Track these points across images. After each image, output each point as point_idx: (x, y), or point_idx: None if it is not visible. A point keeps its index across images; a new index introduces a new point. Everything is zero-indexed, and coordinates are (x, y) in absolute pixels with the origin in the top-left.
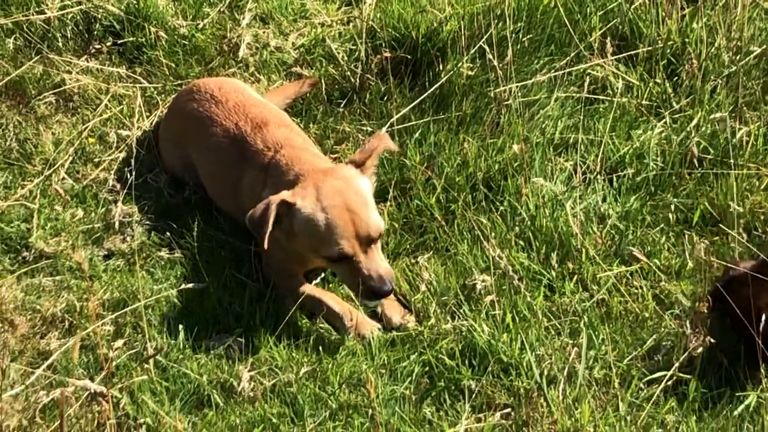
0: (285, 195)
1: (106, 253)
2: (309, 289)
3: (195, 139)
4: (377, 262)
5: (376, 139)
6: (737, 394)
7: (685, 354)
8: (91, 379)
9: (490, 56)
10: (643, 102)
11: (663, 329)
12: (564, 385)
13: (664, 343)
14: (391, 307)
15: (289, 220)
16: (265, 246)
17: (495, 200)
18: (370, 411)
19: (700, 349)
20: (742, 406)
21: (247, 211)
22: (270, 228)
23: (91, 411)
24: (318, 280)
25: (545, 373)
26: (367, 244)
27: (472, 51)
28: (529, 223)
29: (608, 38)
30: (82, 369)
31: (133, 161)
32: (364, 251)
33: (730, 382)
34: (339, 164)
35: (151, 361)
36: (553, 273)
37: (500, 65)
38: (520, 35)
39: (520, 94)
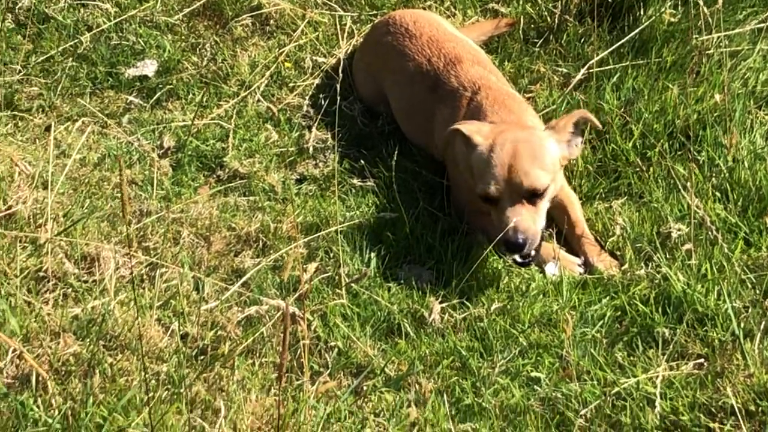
0: (469, 127)
1: (298, 177)
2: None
3: (388, 72)
4: (521, 215)
5: (578, 111)
6: None
7: None
8: (283, 300)
9: (700, 1)
10: None
11: None
12: (761, 338)
13: None
14: (592, 250)
15: (467, 151)
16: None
17: (692, 149)
18: (560, 351)
19: None
20: None
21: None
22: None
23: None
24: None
25: (741, 325)
26: (519, 196)
27: None
28: (726, 174)
29: None
30: (274, 289)
31: (327, 88)
32: (513, 200)
33: None
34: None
35: (344, 286)
36: (750, 226)
37: (708, 12)
38: None
39: (723, 43)
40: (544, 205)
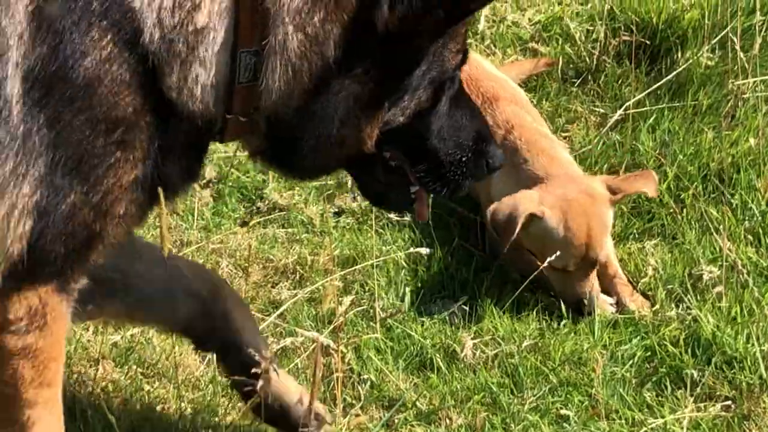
0: (532, 206)
1: (336, 210)
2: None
3: None
4: (591, 284)
5: (643, 177)
6: None
7: None
8: (318, 332)
9: (737, 47)
10: None
11: None
12: None
13: None
14: (625, 290)
15: (532, 225)
16: (505, 250)
17: (726, 193)
18: (590, 389)
19: None
20: None
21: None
22: (514, 236)
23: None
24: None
25: None
26: (592, 267)
27: (714, 41)
28: (760, 218)
29: None
30: (310, 321)
31: None
32: (586, 272)
33: None
34: (591, 177)
35: (379, 320)
36: None
37: (745, 57)
38: (764, 28)
39: (759, 88)
40: None
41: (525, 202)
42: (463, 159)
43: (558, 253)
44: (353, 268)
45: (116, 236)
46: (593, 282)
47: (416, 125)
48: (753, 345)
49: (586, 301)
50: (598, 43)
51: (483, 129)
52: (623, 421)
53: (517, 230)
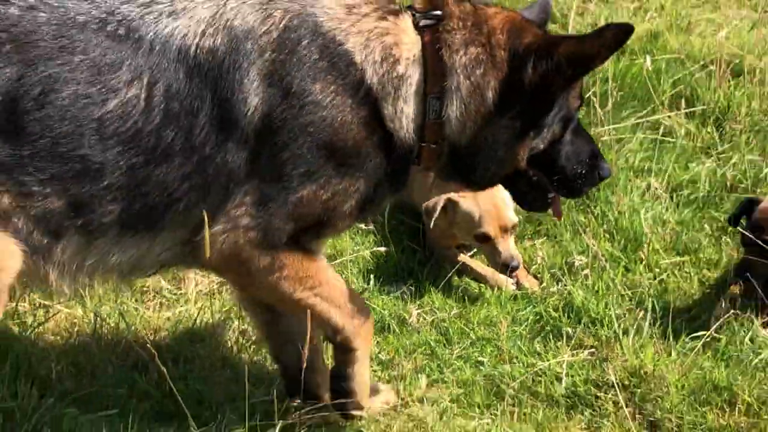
0: (450, 196)
1: None
2: (461, 257)
3: None
4: (509, 246)
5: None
6: (757, 351)
7: (719, 321)
8: None
9: (597, 105)
10: (698, 144)
11: (704, 302)
12: (633, 335)
13: (704, 312)
14: (521, 273)
15: (453, 211)
16: (431, 226)
17: (591, 205)
18: (498, 343)
19: (730, 317)
20: (757, 359)
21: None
22: (436, 215)
23: None
24: (470, 253)
25: (621, 326)
26: (503, 232)
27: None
28: (613, 222)
29: (676, 99)
30: None
31: None
32: (502, 236)
33: (753, 341)
34: None
35: None
36: (628, 258)
37: (603, 112)
38: (615, 91)
39: (613, 133)
40: (513, 233)
41: (445, 195)
42: (583, 172)
43: (481, 226)
44: (334, 262)
45: (343, 227)
46: (512, 247)
47: (551, 150)
48: (609, 309)
49: (511, 264)
50: None
51: (595, 150)
52: (521, 364)
53: (438, 211)
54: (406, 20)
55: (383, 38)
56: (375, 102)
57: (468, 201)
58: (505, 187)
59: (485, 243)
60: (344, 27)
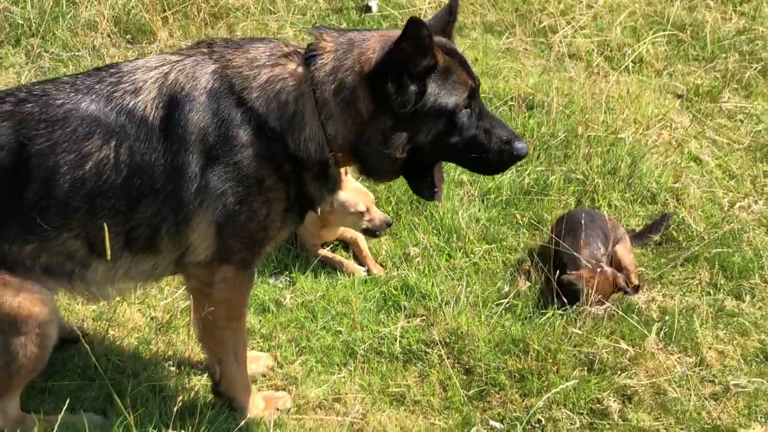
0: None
1: None
2: (324, 251)
3: None
4: (380, 213)
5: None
6: (543, 312)
7: (516, 290)
8: None
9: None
10: None
11: (507, 277)
12: (453, 305)
13: (506, 285)
14: (370, 262)
15: (332, 206)
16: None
17: (422, 209)
18: (353, 315)
19: (525, 288)
20: (543, 318)
21: None
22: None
23: None
24: (328, 248)
25: (444, 299)
26: (371, 205)
27: None
28: (440, 221)
29: None
30: None
31: None
32: (369, 210)
33: (544, 306)
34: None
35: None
36: (450, 248)
37: None
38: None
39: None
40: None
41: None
42: (497, 149)
43: (357, 206)
44: None
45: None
46: (381, 213)
47: (441, 142)
48: (435, 287)
49: (378, 233)
50: None
51: (509, 133)
52: (369, 331)
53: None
54: (295, 60)
55: (276, 85)
56: (282, 137)
57: (342, 194)
58: (406, 179)
59: (363, 217)
60: (246, 85)
